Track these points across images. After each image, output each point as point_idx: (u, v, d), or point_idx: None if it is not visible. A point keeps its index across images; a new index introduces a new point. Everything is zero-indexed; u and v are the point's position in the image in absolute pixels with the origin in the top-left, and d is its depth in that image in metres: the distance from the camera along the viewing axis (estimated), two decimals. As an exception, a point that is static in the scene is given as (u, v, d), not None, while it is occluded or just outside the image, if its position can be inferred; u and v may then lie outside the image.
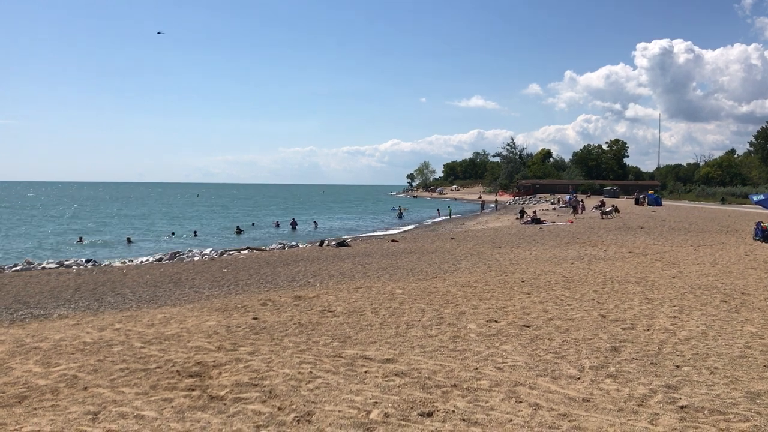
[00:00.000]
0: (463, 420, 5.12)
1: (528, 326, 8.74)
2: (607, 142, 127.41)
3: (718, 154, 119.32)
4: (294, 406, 5.48)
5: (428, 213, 69.20)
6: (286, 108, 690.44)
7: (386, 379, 6.28)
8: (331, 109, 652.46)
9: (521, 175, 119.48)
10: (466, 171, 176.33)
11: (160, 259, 24.64)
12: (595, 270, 15.13)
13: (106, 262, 24.02)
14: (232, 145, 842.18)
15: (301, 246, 29.38)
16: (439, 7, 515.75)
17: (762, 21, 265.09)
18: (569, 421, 5.08)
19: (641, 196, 62.31)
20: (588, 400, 5.58)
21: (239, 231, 42.76)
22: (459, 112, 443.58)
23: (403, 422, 5.09)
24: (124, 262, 23.90)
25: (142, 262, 24.14)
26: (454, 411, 5.33)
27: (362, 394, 5.80)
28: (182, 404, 5.62)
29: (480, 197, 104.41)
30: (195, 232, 42.13)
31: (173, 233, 41.53)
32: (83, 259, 24.42)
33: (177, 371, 6.68)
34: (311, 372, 6.53)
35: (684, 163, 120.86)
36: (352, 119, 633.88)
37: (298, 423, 5.11)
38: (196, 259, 24.28)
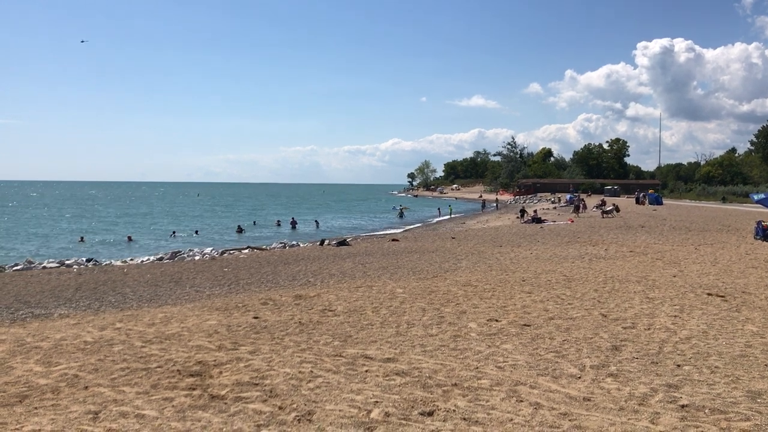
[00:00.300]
0: (464, 419, 5.12)
1: (529, 325, 8.74)
2: (607, 141, 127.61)
3: (718, 153, 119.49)
4: (295, 406, 5.48)
5: (429, 212, 69.18)
6: (287, 107, 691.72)
7: (387, 378, 6.28)
8: (331, 109, 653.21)
9: (522, 174, 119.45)
10: (467, 170, 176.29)
11: (160, 259, 24.64)
12: (596, 269, 15.12)
13: (107, 262, 24.02)
14: (233, 144, 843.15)
15: (301, 245, 29.37)
16: (439, 6, 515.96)
17: (762, 20, 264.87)
18: (570, 420, 5.08)
19: (641, 195, 62.33)
20: (589, 400, 5.58)
21: (240, 230, 42.78)
22: (460, 112, 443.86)
23: (403, 421, 5.09)
24: (125, 262, 23.90)
25: (142, 261, 24.13)
26: (454, 410, 5.32)
27: (363, 393, 5.80)
28: (183, 403, 5.62)
29: (481, 196, 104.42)
30: (196, 231, 42.20)
31: (174, 232, 41.56)
32: (84, 259, 24.42)
33: (178, 370, 6.69)
34: (312, 371, 6.53)
35: (685, 162, 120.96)
36: (352, 119, 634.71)
37: (299, 422, 5.11)
38: (196, 258, 24.29)
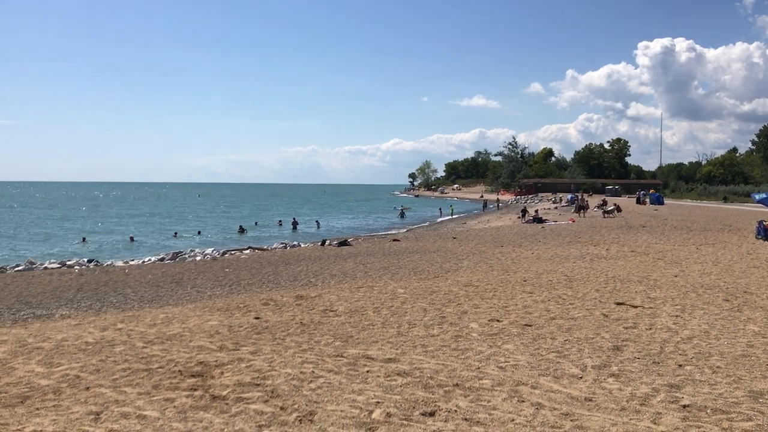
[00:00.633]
0: (465, 419, 5.12)
1: (530, 325, 8.73)
2: (608, 141, 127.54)
3: (720, 152, 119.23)
4: (296, 406, 5.47)
5: (430, 212, 69.18)
6: (288, 108, 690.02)
7: (388, 378, 6.28)
8: (332, 109, 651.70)
9: (523, 174, 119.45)
10: (468, 170, 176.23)
11: (162, 259, 24.67)
12: (597, 269, 15.11)
13: (108, 262, 24.04)
14: (234, 144, 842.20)
15: (302, 245, 29.38)
16: (440, 6, 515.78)
17: (763, 20, 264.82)
18: (571, 420, 5.07)
19: (642, 193, 62.32)
20: (590, 400, 5.57)
21: (242, 230, 42.83)
22: (461, 112, 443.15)
23: (405, 422, 5.08)
24: (126, 262, 23.92)
25: (144, 262, 24.16)
26: (456, 410, 5.32)
27: (364, 393, 5.80)
28: (184, 404, 5.63)
29: (482, 196, 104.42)
30: (199, 231, 42.26)
31: (176, 233, 41.64)
32: (85, 259, 24.45)
33: (179, 371, 6.69)
34: (313, 372, 6.53)
35: (686, 162, 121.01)
36: (353, 119, 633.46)
37: (300, 423, 5.11)
38: (198, 258, 24.31)
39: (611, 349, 7.38)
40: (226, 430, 5.00)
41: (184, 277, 16.77)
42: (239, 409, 5.45)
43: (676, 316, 9.34)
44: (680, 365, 6.70)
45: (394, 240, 28.70)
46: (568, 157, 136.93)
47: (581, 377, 6.28)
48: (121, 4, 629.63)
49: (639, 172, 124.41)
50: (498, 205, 76.53)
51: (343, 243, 26.83)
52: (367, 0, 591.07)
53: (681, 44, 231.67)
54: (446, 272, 15.39)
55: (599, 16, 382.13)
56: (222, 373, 6.60)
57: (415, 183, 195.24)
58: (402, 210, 69.38)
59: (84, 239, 36.20)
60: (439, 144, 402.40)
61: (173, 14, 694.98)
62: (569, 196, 69.44)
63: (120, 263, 23.48)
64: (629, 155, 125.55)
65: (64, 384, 6.35)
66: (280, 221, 51.09)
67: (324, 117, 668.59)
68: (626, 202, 59.50)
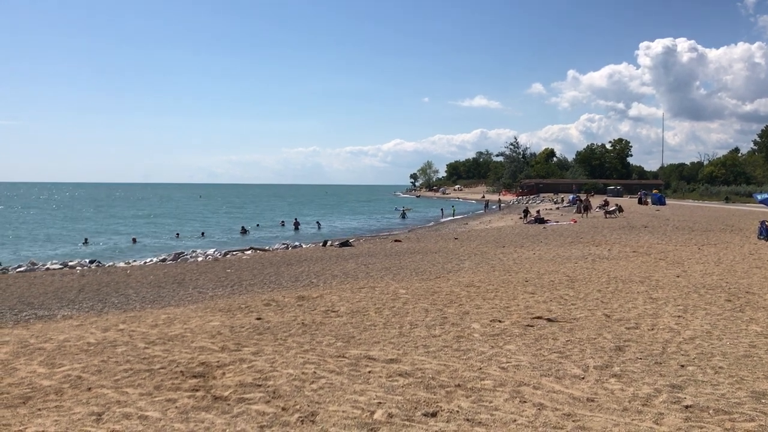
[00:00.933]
0: (467, 420, 5.11)
1: (532, 326, 8.72)
2: (610, 142, 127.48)
3: (721, 152, 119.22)
4: (298, 407, 5.47)
5: (432, 213, 69.18)
6: (289, 108, 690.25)
7: (390, 379, 6.27)
8: (333, 110, 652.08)
9: (524, 174, 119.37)
10: (470, 171, 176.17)
11: (163, 260, 24.68)
12: (599, 269, 15.10)
13: (110, 263, 24.06)
14: (235, 145, 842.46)
15: (304, 246, 29.39)
16: (441, 6, 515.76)
17: (765, 20, 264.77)
18: (573, 421, 5.07)
19: (643, 193, 62.28)
20: (592, 400, 5.56)
21: (244, 231, 42.90)
22: (462, 112, 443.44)
23: (407, 422, 5.08)
24: (128, 263, 23.93)
25: (145, 262, 24.18)
26: (458, 411, 5.31)
27: (366, 394, 5.79)
28: (186, 405, 5.62)
29: (483, 197, 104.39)
30: (203, 233, 42.25)
31: (178, 234, 41.70)
32: (87, 260, 24.48)
33: (181, 372, 6.69)
34: (315, 372, 6.52)
35: (688, 162, 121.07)
36: (354, 119, 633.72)
37: (302, 423, 5.10)
38: (199, 259, 24.32)
39: (613, 350, 7.37)
40: (227, 430, 5.00)
41: (186, 277, 16.77)
42: (241, 410, 5.45)
43: (678, 316, 9.32)
44: (682, 366, 6.68)
45: (396, 240, 28.69)
46: (570, 157, 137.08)
47: (583, 378, 6.27)
48: (122, 5, 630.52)
49: (641, 173, 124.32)
50: (500, 206, 76.47)
51: (345, 244, 26.83)
52: (367, 0, 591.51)
53: (682, 44, 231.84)
54: (448, 273, 15.39)
55: (600, 16, 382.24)
56: (224, 373, 6.60)
57: (417, 183, 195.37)
58: (403, 210, 69.39)
59: (86, 240, 36.24)
60: (441, 144, 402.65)
61: (174, 14, 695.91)
62: (571, 196, 69.38)
63: (122, 264, 23.50)
64: (631, 155, 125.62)
65: (66, 385, 6.36)
66: (282, 222, 51.17)
67: (325, 117, 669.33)
68: (628, 202, 59.45)
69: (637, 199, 61.30)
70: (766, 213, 32.76)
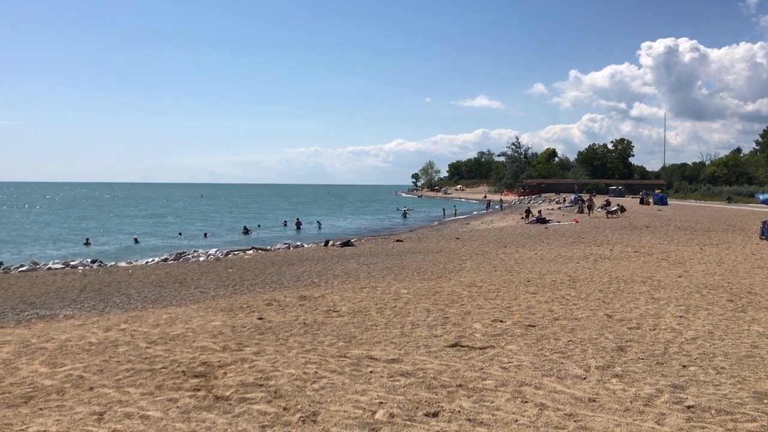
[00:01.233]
0: (469, 420, 5.11)
1: (533, 326, 8.72)
2: (612, 142, 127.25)
3: (723, 153, 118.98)
4: (299, 407, 5.47)
5: (433, 213, 69.17)
6: (289, 108, 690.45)
7: (391, 379, 6.27)
8: (334, 110, 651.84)
9: (526, 174, 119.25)
10: (471, 171, 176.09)
11: (165, 260, 24.70)
12: (601, 269, 15.09)
13: (112, 263, 24.08)
14: (236, 145, 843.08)
15: (306, 246, 29.41)
16: (442, 6, 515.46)
17: (767, 20, 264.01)
18: (575, 421, 5.06)
19: (645, 193, 62.21)
20: (594, 400, 5.56)
21: (246, 231, 42.94)
22: (463, 112, 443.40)
23: (408, 422, 5.08)
24: (130, 263, 23.95)
25: (147, 262, 24.20)
26: (459, 411, 5.31)
27: (367, 394, 5.79)
28: (187, 404, 5.63)
29: (485, 197, 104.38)
30: (205, 234, 42.26)
31: (180, 233, 41.78)
32: (89, 260, 24.50)
33: (182, 371, 6.69)
34: (316, 372, 6.53)
35: (689, 162, 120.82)
36: (355, 119, 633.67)
37: (304, 423, 5.10)
38: (201, 259, 24.33)
39: (615, 350, 7.36)
40: (229, 430, 5.00)
41: (188, 277, 16.78)
42: (242, 410, 5.45)
43: (680, 316, 9.31)
44: (684, 366, 6.67)
45: (398, 240, 28.69)
46: (572, 157, 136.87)
47: (585, 378, 6.27)
48: (122, 5, 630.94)
49: (642, 173, 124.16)
50: (501, 206, 76.43)
51: (347, 243, 26.83)
52: (367, 0, 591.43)
53: (684, 44, 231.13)
54: (449, 273, 15.38)
55: (602, 16, 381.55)
56: (225, 373, 6.60)
57: (419, 183, 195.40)
58: (405, 210, 69.43)
59: (87, 241, 36.26)
60: (442, 144, 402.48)
61: (174, 14, 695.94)
62: (572, 196, 69.32)
63: (123, 264, 23.51)
64: (633, 155, 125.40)
65: (68, 384, 6.36)
66: (285, 222, 51.23)
67: (326, 117, 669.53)
68: (630, 202, 59.41)
69: (638, 199, 61.24)
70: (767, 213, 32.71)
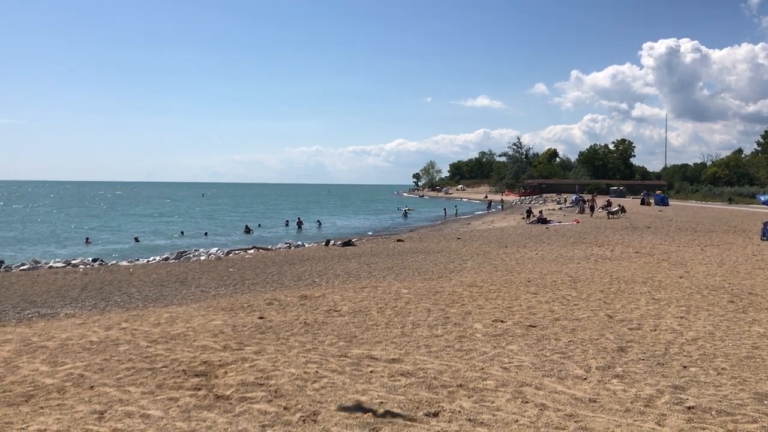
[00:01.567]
0: (469, 420, 5.11)
1: (534, 326, 8.72)
2: (613, 142, 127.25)
3: (725, 153, 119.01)
4: (300, 406, 5.48)
5: (434, 212, 69.17)
6: (290, 108, 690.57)
7: (392, 378, 6.27)
8: (334, 110, 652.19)
9: (527, 174, 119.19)
10: (472, 171, 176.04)
11: (166, 259, 24.70)
12: (602, 270, 15.08)
13: (113, 262, 24.10)
14: (238, 144, 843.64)
15: (307, 245, 29.41)
16: (443, 6, 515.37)
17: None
18: (576, 421, 5.06)
19: (645, 193, 62.16)
20: (594, 401, 5.56)
21: (248, 230, 42.97)
22: (465, 112, 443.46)
23: (408, 422, 5.08)
24: (131, 262, 23.96)
25: (148, 261, 24.20)
26: (460, 411, 5.31)
27: (368, 393, 5.79)
28: (188, 403, 5.63)
29: (486, 197, 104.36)
30: (206, 233, 42.32)
31: (182, 232, 41.83)
32: (90, 259, 24.51)
33: (183, 370, 6.70)
34: (317, 371, 6.53)
35: (691, 163, 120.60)
36: (356, 119, 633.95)
37: (304, 422, 5.11)
38: (202, 258, 24.34)
39: (615, 350, 7.36)
40: (229, 429, 5.01)
41: (189, 276, 16.79)
42: (243, 409, 5.45)
43: (681, 317, 9.31)
44: (685, 366, 6.67)
45: (399, 240, 28.69)
46: (573, 157, 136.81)
47: (585, 378, 6.27)
48: (122, 5, 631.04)
49: (644, 173, 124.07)
50: (502, 206, 76.43)
51: (347, 243, 26.82)
52: (367, 0, 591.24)
53: (686, 45, 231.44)
54: (450, 273, 15.38)
55: (604, 16, 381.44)
56: (226, 372, 6.61)
57: (420, 183, 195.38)
58: (406, 210, 69.45)
59: (87, 240, 36.25)
60: (443, 144, 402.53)
61: (174, 14, 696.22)
62: (573, 197, 69.28)
63: (124, 263, 23.52)
64: (634, 156, 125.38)
65: (69, 383, 6.37)
66: (286, 221, 51.25)
67: (326, 117, 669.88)
68: (631, 203, 59.38)
69: (639, 200, 61.19)
70: (769, 214, 32.68)
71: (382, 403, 5.52)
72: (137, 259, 25.23)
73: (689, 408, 5.37)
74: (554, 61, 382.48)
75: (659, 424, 5.01)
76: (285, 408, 5.44)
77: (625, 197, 76.88)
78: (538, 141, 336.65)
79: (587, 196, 58.26)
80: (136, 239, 36.96)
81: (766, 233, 23.41)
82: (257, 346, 7.77)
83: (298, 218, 51.90)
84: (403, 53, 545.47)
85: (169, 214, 67.33)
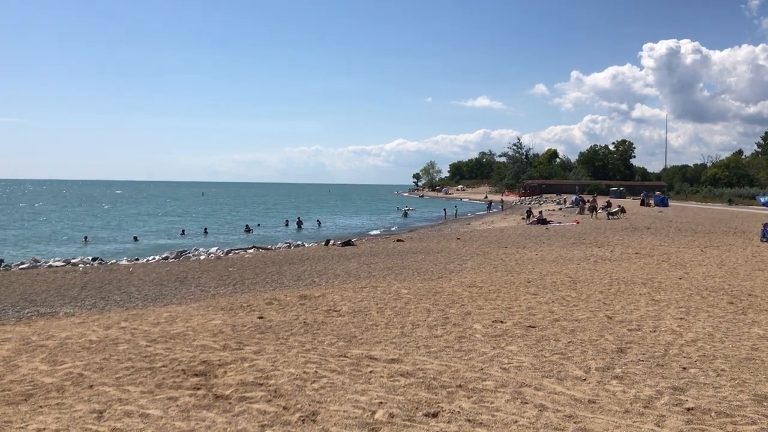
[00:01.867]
0: (469, 421, 5.11)
1: (534, 327, 8.72)
2: (613, 143, 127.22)
3: (725, 155, 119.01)
4: (299, 406, 5.47)
5: (434, 213, 69.19)
6: (289, 108, 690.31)
7: (391, 379, 6.27)
8: (334, 109, 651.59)
9: (527, 175, 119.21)
10: (472, 171, 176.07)
11: (166, 258, 24.70)
12: (602, 271, 15.08)
13: (113, 261, 24.09)
14: (237, 144, 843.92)
15: (306, 245, 29.42)
16: (443, 6, 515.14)
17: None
18: (575, 422, 5.06)
19: (645, 194, 62.15)
20: (594, 402, 5.55)
21: (248, 230, 43.00)
22: (465, 112, 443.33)
23: (408, 422, 5.08)
24: (131, 261, 23.96)
25: (148, 260, 24.20)
26: (459, 412, 5.31)
27: (367, 394, 5.79)
28: (187, 403, 5.63)
29: (486, 197, 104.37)
30: (205, 229, 42.44)
31: (183, 231, 41.85)
32: (90, 258, 24.51)
33: (182, 370, 6.69)
34: (316, 371, 6.53)
35: (691, 164, 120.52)
36: (356, 119, 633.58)
37: (303, 423, 5.11)
38: (202, 257, 24.34)
39: (615, 351, 7.36)
40: (228, 429, 5.00)
41: (188, 276, 16.79)
42: (242, 409, 5.45)
43: (681, 318, 9.31)
44: (684, 368, 6.67)
45: (398, 240, 28.69)
46: (573, 158, 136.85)
47: (585, 379, 6.27)
48: (122, 5, 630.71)
49: (644, 174, 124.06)
50: (502, 206, 76.42)
51: (347, 243, 26.82)
52: (367, 0, 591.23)
53: (686, 46, 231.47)
54: (450, 273, 15.38)
55: (604, 17, 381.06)
56: (225, 372, 6.60)
57: (420, 183, 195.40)
58: (405, 210, 69.49)
59: (86, 239, 36.23)
60: (444, 144, 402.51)
61: (174, 14, 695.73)
62: (573, 197, 69.26)
63: (124, 262, 23.53)
64: (634, 157, 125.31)
65: (68, 382, 6.37)
66: (286, 221, 51.26)
67: (326, 117, 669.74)
68: (631, 203, 59.38)
69: (639, 201, 61.18)
70: (769, 215, 32.68)
71: (381, 403, 5.52)
72: (137, 259, 25.24)
73: (688, 409, 5.37)
74: (554, 62, 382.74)
75: (658, 426, 5.00)
76: (284, 408, 5.44)
77: (624, 198, 76.88)
78: (538, 141, 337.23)
79: (588, 197, 58.23)
80: (135, 239, 36.96)
81: (765, 235, 23.41)
82: (257, 346, 7.77)
83: (298, 218, 51.94)
84: (403, 53, 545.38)
85: (169, 214, 67.34)
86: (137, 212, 69.40)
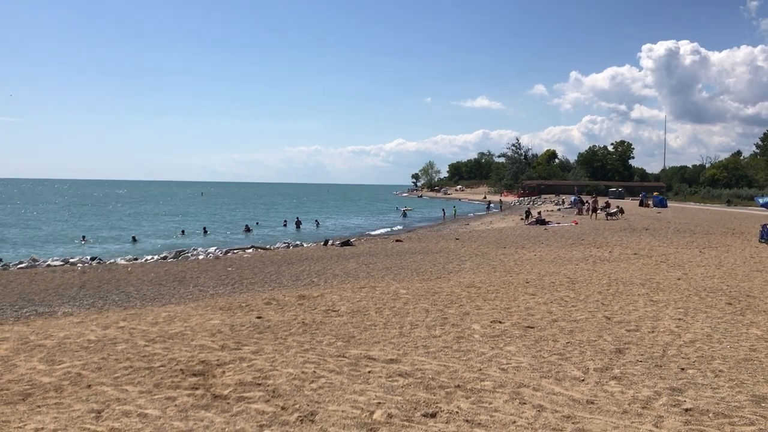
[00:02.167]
0: (467, 421, 5.11)
1: (532, 327, 8.72)
2: (612, 144, 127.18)
3: (723, 155, 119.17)
4: (297, 406, 5.47)
5: (433, 213, 69.19)
6: (289, 108, 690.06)
7: (390, 379, 6.27)
8: (334, 109, 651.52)
9: (526, 175, 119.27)
10: (471, 171, 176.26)
11: (164, 258, 24.67)
12: (600, 271, 15.08)
13: (111, 260, 24.07)
14: (237, 144, 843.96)
15: (305, 245, 29.40)
16: (442, 7, 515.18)
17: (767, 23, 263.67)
18: (573, 423, 5.06)
19: (644, 194, 62.19)
20: (592, 402, 5.56)
21: (248, 229, 42.99)
22: (464, 113, 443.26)
23: (406, 423, 5.08)
24: (129, 260, 23.94)
25: (147, 260, 24.18)
26: (457, 412, 5.31)
27: (366, 394, 5.79)
28: (185, 403, 5.63)
29: (485, 197, 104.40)
30: (205, 229, 42.45)
31: (183, 231, 41.84)
32: (88, 257, 24.49)
33: (181, 370, 6.69)
34: (315, 372, 6.53)
35: (689, 165, 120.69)
36: (356, 119, 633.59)
37: (302, 423, 5.10)
38: (200, 257, 24.33)
39: (613, 352, 7.36)
40: (227, 429, 5.00)
41: (187, 275, 16.78)
42: (240, 409, 5.45)
43: (679, 319, 9.31)
44: (682, 369, 6.68)
45: (397, 240, 28.69)
46: (572, 158, 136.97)
47: (583, 380, 6.27)
48: (122, 5, 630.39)
49: (642, 175, 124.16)
50: (501, 207, 76.45)
51: (346, 243, 26.82)
52: (367, 0, 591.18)
53: (685, 47, 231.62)
54: (449, 273, 15.38)
55: (603, 18, 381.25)
56: (223, 372, 6.60)
57: (419, 184, 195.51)
58: (404, 210, 69.52)
59: (83, 238, 36.20)
60: (443, 145, 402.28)
61: (174, 15, 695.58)
62: (572, 198, 69.30)
63: (123, 261, 23.50)
64: (633, 157, 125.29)
65: (66, 382, 6.36)
66: (285, 221, 51.26)
67: (326, 117, 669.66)
68: (629, 204, 59.39)
69: (638, 202, 61.22)
70: (767, 216, 32.70)
71: (379, 403, 5.52)
72: (135, 258, 25.22)
73: (687, 410, 5.37)
74: (553, 63, 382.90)
75: (656, 426, 5.01)
76: (282, 408, 5.44)
77: (623, 199, 76.92)
78: (537, 142, 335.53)
79: (588, 198, 58.26)
80: (134, 239, 36.93)
81: (764, 235, 23.43)
82: (255, 346, 7.76)
83: (297, 218, 51.92)
84: (403, 53, 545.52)
85: (170, 213, 67.32)
86: (136, 212, 69.36)
